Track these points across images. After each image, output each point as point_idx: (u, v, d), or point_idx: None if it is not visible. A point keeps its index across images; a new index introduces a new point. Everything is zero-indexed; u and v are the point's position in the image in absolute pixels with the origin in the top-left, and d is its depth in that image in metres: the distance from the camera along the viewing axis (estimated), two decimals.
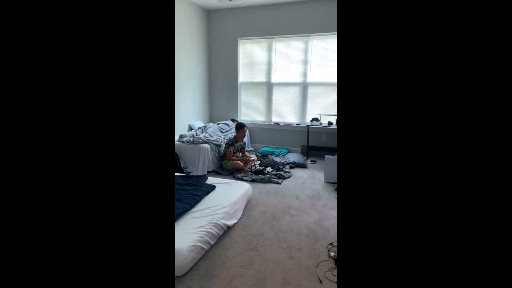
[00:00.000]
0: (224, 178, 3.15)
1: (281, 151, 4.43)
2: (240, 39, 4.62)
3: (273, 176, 3.29)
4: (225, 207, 2.12)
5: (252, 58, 4.65)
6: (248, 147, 4.72)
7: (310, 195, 2.86)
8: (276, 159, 4.09)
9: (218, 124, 4.47)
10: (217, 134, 4.10)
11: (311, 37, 4.21)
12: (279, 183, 3.16)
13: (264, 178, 3.22)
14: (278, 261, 1.75)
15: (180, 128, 4.18)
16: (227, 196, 2.30)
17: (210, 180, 2.69)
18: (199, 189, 2.33)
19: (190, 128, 4.40)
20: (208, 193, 2.34)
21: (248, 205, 2.56)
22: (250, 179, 3.24)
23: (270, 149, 4.50)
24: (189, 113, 4.41)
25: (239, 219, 2.28)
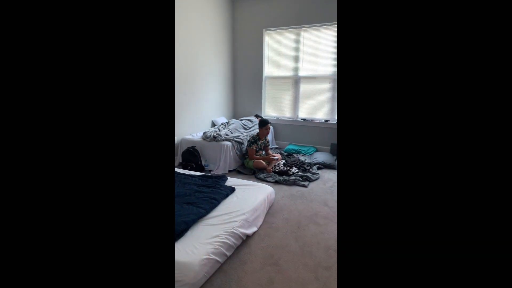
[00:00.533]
0: (245, 179, 2.96)
1: (308, 150, 4.13)
2: (266, 30, 4.36)
3: (298, 178, 3.03)
4: (244, 214, 1.92)
5: (278, 50, 4.37)
6: (272, 145, 4.48)
7: None
8: (303, 158, 3.81)
9: (241, 120, 4.28)
10: (239, 131, 3.92)
11: None
12: (305, 186, 2.89)
13: (288, 180, 2.97)
14: (303, 281, 1.52)
15: (203, 125, 4.06)
16: (247, 201, 2.10)
17: (230, 181, 2.51)
18: (217, 192, 2.16)
19: (213, 124, 4.27)
20: (226, 196, 2.15)
21: (270, 211, 2.34)
22: (274, 181, 3.00)
23: (296, 147, 4.22)
24: (212, 109, 4.27)
25: (260, 226, 2.07)
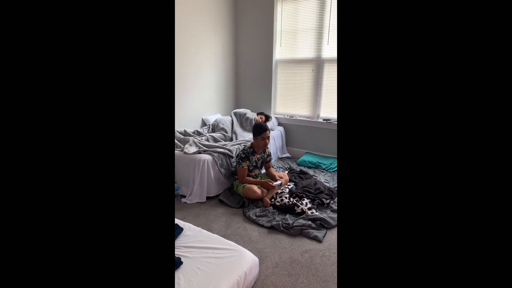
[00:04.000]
0: (226, 216, 1.88)
1: (330, 164, 2.94)
2: None
3: (309, 223, 1.88)
4: None
5: (295, 23, 3.15)
6: (283, 153, 3.34)
7: None
8: (322, 178, 2.64)
9: (235, 114, 3.16)
10: (231, 135, 2.83)
11: None
12: (319, 241, 1.75)
13: (292, 227, 1.84)
14: None
15: (188, 126, 3.02)
16: None
17: (188, 234, 1.46)
18: None
19: (204, 125, 3.23)
20: None
21: None
22: (269, 225, 1.90)
23: (314, 159, 3.04)
24: (203, 104, 3.22)
25: None
